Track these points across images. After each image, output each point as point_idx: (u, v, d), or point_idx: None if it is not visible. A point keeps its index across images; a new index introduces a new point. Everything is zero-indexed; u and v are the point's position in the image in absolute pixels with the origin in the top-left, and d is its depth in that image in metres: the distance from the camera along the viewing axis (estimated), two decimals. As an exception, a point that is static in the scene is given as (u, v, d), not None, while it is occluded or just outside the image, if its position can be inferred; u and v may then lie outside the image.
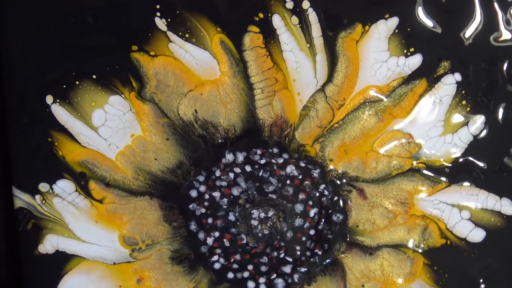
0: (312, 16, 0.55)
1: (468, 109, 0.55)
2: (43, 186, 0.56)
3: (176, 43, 0.55)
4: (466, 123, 0.55)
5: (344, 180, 0.57)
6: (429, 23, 0.55)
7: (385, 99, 0.56)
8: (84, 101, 0.55)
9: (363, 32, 0.55)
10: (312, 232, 0.57)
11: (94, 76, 0.55)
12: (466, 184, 0.56)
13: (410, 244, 0.56)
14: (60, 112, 0.55)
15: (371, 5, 0.55)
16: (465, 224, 0.56)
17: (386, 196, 0.57)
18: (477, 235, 0.56)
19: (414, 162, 0.56)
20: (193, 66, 0.55)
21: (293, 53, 0.55)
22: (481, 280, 0.56)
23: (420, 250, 0.56)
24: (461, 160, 0.56)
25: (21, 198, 0.56)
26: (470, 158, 0.56)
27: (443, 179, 0.56)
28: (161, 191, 0.57)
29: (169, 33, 0.55)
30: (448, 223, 0.56)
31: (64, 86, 0.55)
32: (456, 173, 0.56)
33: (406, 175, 0.56)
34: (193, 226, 0.57)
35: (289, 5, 0.55)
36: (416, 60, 0.55)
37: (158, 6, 0.55)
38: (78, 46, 0.55)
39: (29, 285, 0.57)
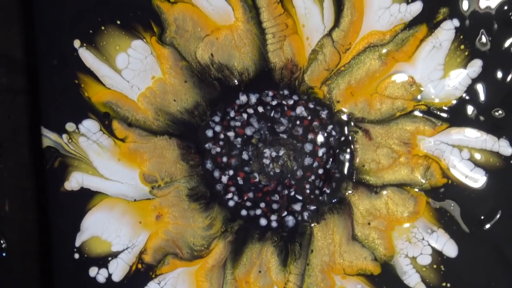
0: (320, -35, 0.60)
1: (466, 53, 0.59)
2: (70, 126, 0.61)
3: (194, -10, 0.60)
4: (464, 67, 0.59)
5: (351, 121, 0.61)
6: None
7: (388, 44, 0.60)
8: (109, 45, 0.60)
9: (367, -21, 0.60)
10: (320, 171, 0.61)
11: (118, 22, 0.60)
12: (466, 125, 0.60)
13: (414, 183, 0.60)
14: (86, 56, 0.61)
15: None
16: (465, 164, 0.60)
17: (390, 136, 0.61)
18: (477, 175, 0.60)
19: (416, 105, 0.60)
20: (210, 12, 0.60)
21: (302, 0, 0.60)
22: (482, 218, 0.60)
23: (422, 190, 0.60)
24: (460, 102, 0.60)
25: (49, 137, 0.61)
26: (469, 100, 0.60)
27: (444, 120, 0.60)
28: (179, 131, 0.62)
29: (188, -19, 0.60)
30: (449, 163, 0.60)
31: (91, 31, 0.60)
32: (456, 114, 0.60)
33: (408, 117, 0.61)
34: (209, 165, 0.62)
35: (298, -46, 0.60)
36: (416, 7, 0.59)
37: (177, -45, 0.60)
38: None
39: (55, 221, 0.62)
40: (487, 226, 0.59)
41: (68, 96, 0.61)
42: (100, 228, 0.61)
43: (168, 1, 0.60)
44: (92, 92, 0.61)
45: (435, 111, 0.60)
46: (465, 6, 0.59)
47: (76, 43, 0.60)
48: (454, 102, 0.60)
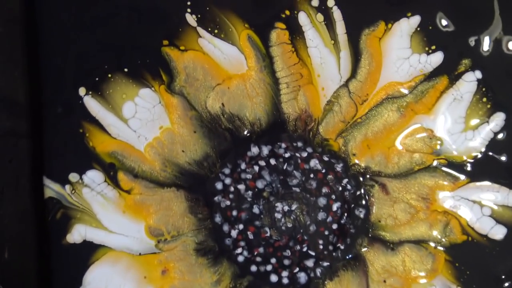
0: (337, 14, 0.59)
1: (489, 106, 0.58)
2: (73, 176, 0.60)
3: (205, 38, 0.59)
4: (486, 120, 0.58)
5: (367, 175, 0.60)
6: (450, 22, 0.58)
7: (407, 95, 0.59)
8: (115, 93, 0.59)
9: (386, 29, 0.59)
10: (334, 226, 0.60)
11: (125, 69, 0.59)
12: (487, 180, 0.59)
13: (432, 240, 0.59)
14: (92, 104, 0.59)
15: (393, 4, 0.59)
16: (486, 220, 0.58)
17: (408, 191, 0.60)
18: (498, 232, 0.58)
19: (436, 159, 0.59)
20: (221, 60, 0.59)
21: (318, 49, 0.59)
22: (503, 277, 0.58)
23: (441, 247, 0.59)
24: (482, 156, 0.59)
25: (52, 188, 0.60)
26: (491, 155, 0.58)
27: (464, 175, 0.59)
28: (188, 183, 0.60)
29: (199, 29, 0.59)
30: (469, 219, 0.59)
31: (97, 79, 0.59)
32: (477, 169, 0.59)
33: (427, 171, 0.59)
34: (218, 218, 0.60)
35: (315, 2, 0.59)
36: (437, 58, 0.59)
37: (189, 3, 0.59)
38: (111, 40, 0.59)
39: (56, 274, 0.60)
40: (507, 285, 0.58)
41: (72, 146, 0.59)
42: (103, 283, 0.60)
43: (178, 49, 0.59)
44: (97, 142, 0.60)
45: (455, 165, 0.59)
46: (487, 57, 0.58)
47: (82, 90, 0.59)
48: (475, 156, 0.59)
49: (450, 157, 0.59)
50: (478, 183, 0.59)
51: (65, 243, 0.60)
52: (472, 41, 0.58)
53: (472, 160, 0.59)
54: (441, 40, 0.58)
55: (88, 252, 0.60)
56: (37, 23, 0.59)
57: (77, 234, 0.60)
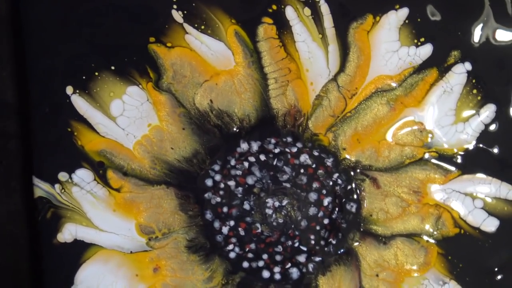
0: (324, 8, 0.58)
1: (479, 98, 0.58)
2: (63, 175, 0.59)
3: (192, 34, 0.59)
4: (477, 112, 0.58)
5: (358, 169, 0.60)
6: (439, 13, 0.58)
7: (396, 88, 0.59)
8: (103, 91, 0.59)
9: (374, 22, 0.59)
10: (326, 221, 0.60)
11: (112, 67, 0.59)
12: (479, 172, 0.59)
13: (424, 233, 0.59)
14: (79, 103, 0.59)
15: (382, -4, 0.58)
16: (478, 213, 0.58)
17: (399, 185, 0.59)
18: (490, 224, 0.58)
19: (426, 152, 0.59)
20: (209, 57, 0.59)
21: (306, 43, 0.59)
22: (496, 269, 0.58)
23: (433, 240, 0.59)
24: (473, 148, 0.58)
25: (41, 187, 0.59)
26: (482, 147, 0.58)
27: (456, 167, 0.59)
28: (177, 180, 0.60)
29: (186, 25, 0.59)
30: (461, 212, 0.59)
31: (84, 77, 0.59)
32: (468, 161, 0.59)
33: (418, 164, 0.59)
34: (208, 215, 0.60)
35: (302, -4, 0.59)
36: (426, 50, 0.58)
37: (175, -1, 0.59)
38: (97, 38, 0.59)
39: (48, 273, 0.60)
40: (500, 277, 0.58)
41: (61, 145, 0.59)
42: (95, 282, 0.59)
43: (165, 46, 0.59)
44: (85, 141, 0.59)
45: (446, 158, 0.59)
46: (477, 49, 0.58)
47: (69, 89, 0.59)
48: (466, 148, 0.59)
49: (441, 149, 0.59)
50: (469, 176, 0.59)
51: (56, 243, 0.59)
52: (461, 33, 0.58)
53: (463, 153, 0.58)
54: (430, 32, 0.58)
55: (79, 251, 0.60)
56: (23, 23, 0.59)
57: (67, 233, 0.59)
